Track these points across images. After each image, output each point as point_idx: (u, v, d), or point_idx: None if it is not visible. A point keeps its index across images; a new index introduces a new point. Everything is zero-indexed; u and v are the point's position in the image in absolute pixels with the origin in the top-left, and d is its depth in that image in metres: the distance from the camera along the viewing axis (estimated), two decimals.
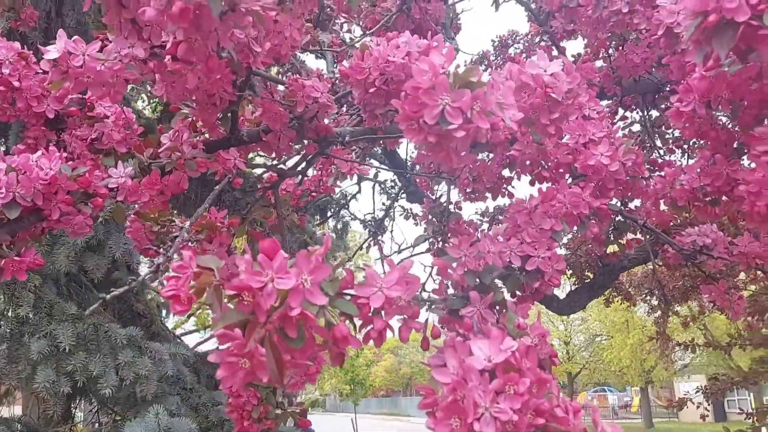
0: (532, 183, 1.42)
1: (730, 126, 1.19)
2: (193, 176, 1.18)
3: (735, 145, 1.19)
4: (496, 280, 1.13)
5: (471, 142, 0.80)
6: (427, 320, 0.95)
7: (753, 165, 1.04)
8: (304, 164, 1.42)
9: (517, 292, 1.15)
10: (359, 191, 4.27)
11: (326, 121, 1.37)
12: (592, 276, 3.86)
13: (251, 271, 0.61)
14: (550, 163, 1.38)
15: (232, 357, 0.62)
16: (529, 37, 3.09)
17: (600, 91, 1.89)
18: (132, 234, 1.23)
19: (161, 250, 1.06)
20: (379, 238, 3.48)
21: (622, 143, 1.30)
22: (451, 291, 1.08)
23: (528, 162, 1.40)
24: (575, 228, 1.28)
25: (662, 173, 1.40)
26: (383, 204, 3.50)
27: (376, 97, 1.21)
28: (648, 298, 5.49)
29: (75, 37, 0.91)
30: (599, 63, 1.98)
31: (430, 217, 2.01)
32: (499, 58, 3.44)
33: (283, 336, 0.63)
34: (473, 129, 0.75)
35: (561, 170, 1.36)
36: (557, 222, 1.16)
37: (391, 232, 3.84)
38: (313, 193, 1.78)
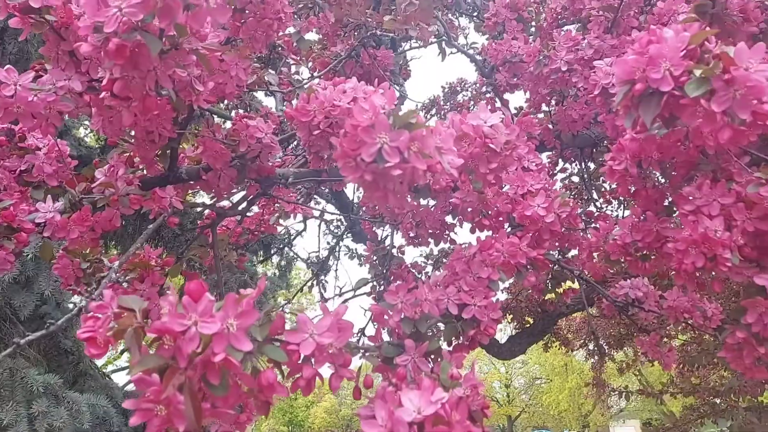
0: (472, 231, 1.44)
1: (660, 184, 1.25)
2: (126, 213, 1.15)
3: (666, 203, 1.24)
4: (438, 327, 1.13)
5: (409, 184, 0.81)
6: (360, 368, 0.93)
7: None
8: (244, 204, 1.40)
9: (454, 341, 1.15)
10: (305, 229, 4.24)
11: (271, 161, 1.36)
12: (532, 321, 3.92)
13: (174, 314, 0.59)
14: (490, 212, 1.40)
15: (148, 404, 0.59)
16: (477, 85, 3.19)
17: (540, 143, 1.95)
18: (59, 271, 1.18)
19: (87, 290, 1.02)
20: (323, 278, 3.45)
21: (557, 195, 1.34)
22: (387, 338, 1.07)
23: (469, 210, 1.42)
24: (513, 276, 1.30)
25: (598, 225, 1.45)
26: (328, 243, 3.49)
27: (321, 139, 1.22)
28: (586, 343, 5.60)
29: (7, 66, 0.88)
30: (541, 116, 2.06)
31: (373, 260, 2.01)
32: (448, 104, 3.53)
33: (206, 383, 0.61)
34: (410, 169, 0.76)
35: (500, 219, 1.39)
36: (494, 271, 1.18)
37: (336, 271, 3.81)
38: (255, 232, 1.75)
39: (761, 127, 1.13)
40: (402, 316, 1.05)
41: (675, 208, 1.22)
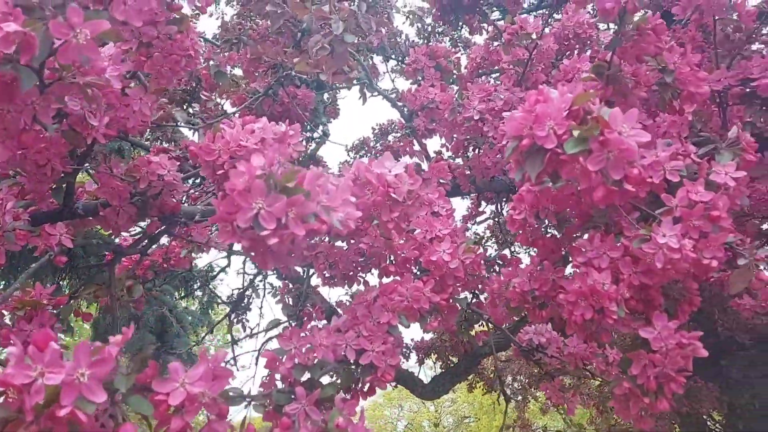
0: (380, 276, 1.44)
1: (557, 235, 1.29)
2: (12, 249, 1.09)
3: (563, 253, 1.28)
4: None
5: (289, 250, 0.80)
6: (245, 419, 0.90)
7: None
8: (146, 242, 1.36)
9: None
10: (228, 264, 4.14)
11: (176, 198, 1.33)
12: (456, 361, 3.94)
13: (20, 365, 0.56)
14: (396, 258, 1.41)
15: None
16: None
17: (456, 187, 1.99)
18: None
19: None
20: (243, 316, 3.36)
21: (463, 241, 1.36)
22: (280, 385, 1.05)
23: (375, 256, 1.42)
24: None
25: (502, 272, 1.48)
26: (251, 279, 3.42)
27: (225, 179, 1.20)
28: (510, 382, 5.67)
29: None
30: (460, 161, 2.11)
31: (286, 299, 1.98)
32: (378, 144, 3.57)
33: None
34: (288, 235, 0.75)
35: (407, 265, 1.40)
36: (394, 316, 1.18)
37: (261, 309, 3.73)
38: (163, 265, 1.69)
39: (649, 184, 1.19)
40: (295, 362, 1.03)
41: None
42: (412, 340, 4.18)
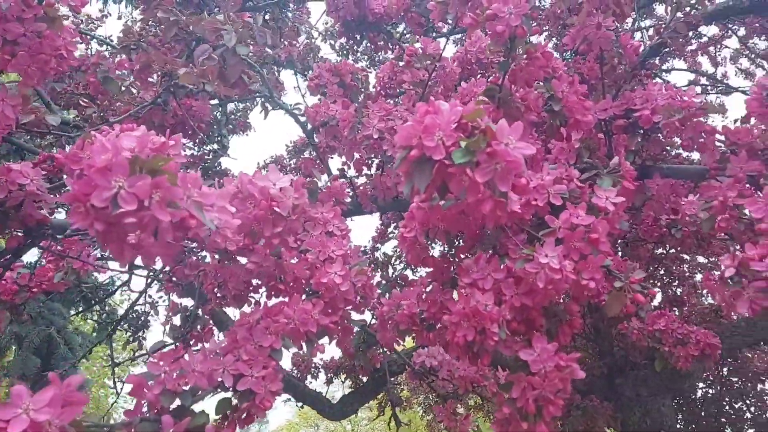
0: (268, 296, 1.38)
1: (447, 255, 1.28)
2: None
3: (452, 274, 1.28)
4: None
5: (153, 236, 0.73)
6: None
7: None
8: (9, 257, 1.24)
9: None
10: (129, 279, 3.92)
11: (45, 209, 1.23)
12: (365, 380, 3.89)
13: None
14: (286, 277, 1.36)
15: None
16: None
17: (358, 206, 1.97)
18: None
19: None
20: (140, 334, 3.18)
21: (356, 263, 1.33)
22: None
23: (264, 274, 1.36)
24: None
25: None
26: (150, 297, 3.24)
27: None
28: (423, 401, 5.68)
29: None
30: (363, 179, 2.09)
31: (171, 321, 1.87)
32: (293, 162, 3.51)
33: None
34: (149, 218, 0.69)
35: (297, 285, 1.35)
36: (277, 339, 1.13)
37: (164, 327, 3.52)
38: (33, 289, 1.54)
39: (534, 207, 1.21)
40: (163, 388, 0.96)
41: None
42: (321, 359, 4.11)
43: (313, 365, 3.82)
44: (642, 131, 1.55)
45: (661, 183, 1.54)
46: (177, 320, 1.84)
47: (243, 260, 1.39)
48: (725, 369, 4.92)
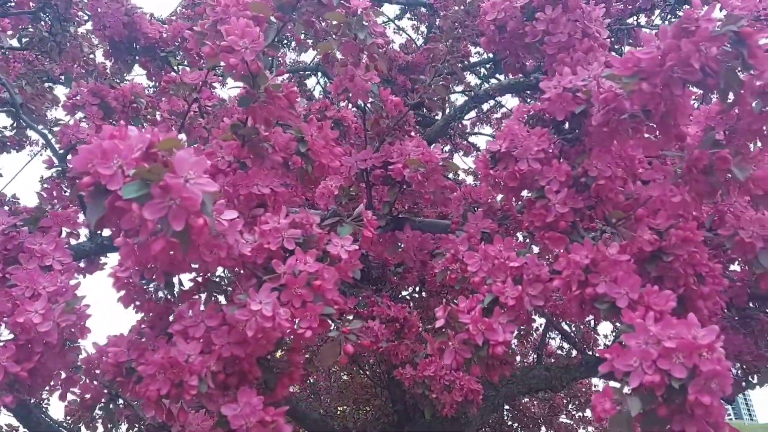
0: None
1: (166, 298, 1.18)
2: None
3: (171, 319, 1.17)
4: None
5: None
6: None
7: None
8: None
9: None
10: None
11: None
12: None
13: None
14: None
15: None
16: None
17: None
18: None
19: None
20: None
21: (67, 301, 1.17)
22: None
23: None
24: None
25: None
26: None
27: None
28: None
29: None
30: None
31: None
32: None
33: None
34: None
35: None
36: None
37: None
38: None
39: (266, 251, 1.15)
40: None
41: None
42: None
43: None
44: (397, 184, 1.58)
45: (411, 235, 1.58)
46: None
47: None
48: (506, 415, 5.24)
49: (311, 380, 5.95)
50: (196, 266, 1.07)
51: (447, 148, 4.82)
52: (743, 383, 2.42)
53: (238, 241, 1.05)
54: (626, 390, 0.83)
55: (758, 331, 1.90)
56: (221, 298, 1.22)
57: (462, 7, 1.63)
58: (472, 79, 4.84)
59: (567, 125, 1.36)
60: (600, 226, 1.23)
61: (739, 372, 2.39)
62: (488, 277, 1.15)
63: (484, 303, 1.09)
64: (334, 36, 1.37)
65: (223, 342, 1.00)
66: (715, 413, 0.78)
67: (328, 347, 1.07)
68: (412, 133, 1.77)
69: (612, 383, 0.87)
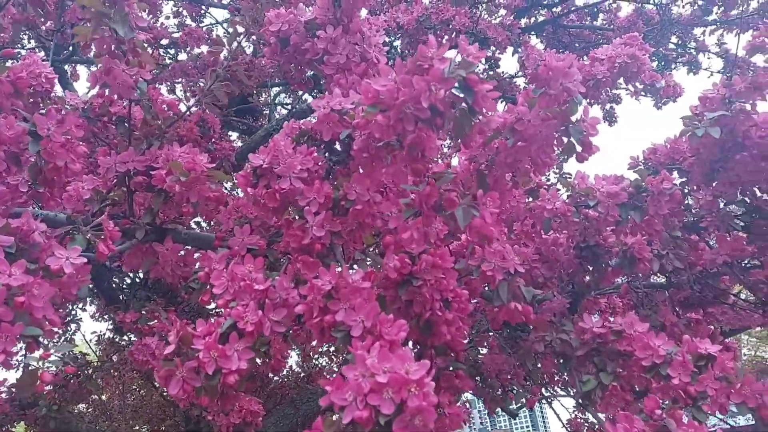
0: None
1: None
2: None
3: None
4: None
5: None
6: None
7: None
8: None
9: None
10: None
11: None
12: None
13: None
14: None
15: None
16: None
17: None
18: None
19: None
20: None
21: None
22: None
23: None
24: None
25: None
26: None
27: None
28: None
29: None
30: None
31: None
32: None
33: None
34: None
35: None
36: None
37: None
38: None
39: None
40: None
41: None
42: None
43: None
44: (163, 191, 1.45)
45: (170, 248, 1.46)
46: None
47: None
48: None
49: (102, 398, 5.42)
50: None
51: None
52: (502, 399, 2.62)
53: None
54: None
55: (524, 352, 2.06)
56: None
57: (249, 14, 1.56)
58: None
59: (338, 146, 1.34)
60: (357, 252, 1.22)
61: (499, 390, 2.59)
62: (233, 299, 1.08)
63: (223, 328, 1.02)
64: (87, 24, 1.22)
65: None
66: None
67: (25, 375, 0.92)
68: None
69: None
